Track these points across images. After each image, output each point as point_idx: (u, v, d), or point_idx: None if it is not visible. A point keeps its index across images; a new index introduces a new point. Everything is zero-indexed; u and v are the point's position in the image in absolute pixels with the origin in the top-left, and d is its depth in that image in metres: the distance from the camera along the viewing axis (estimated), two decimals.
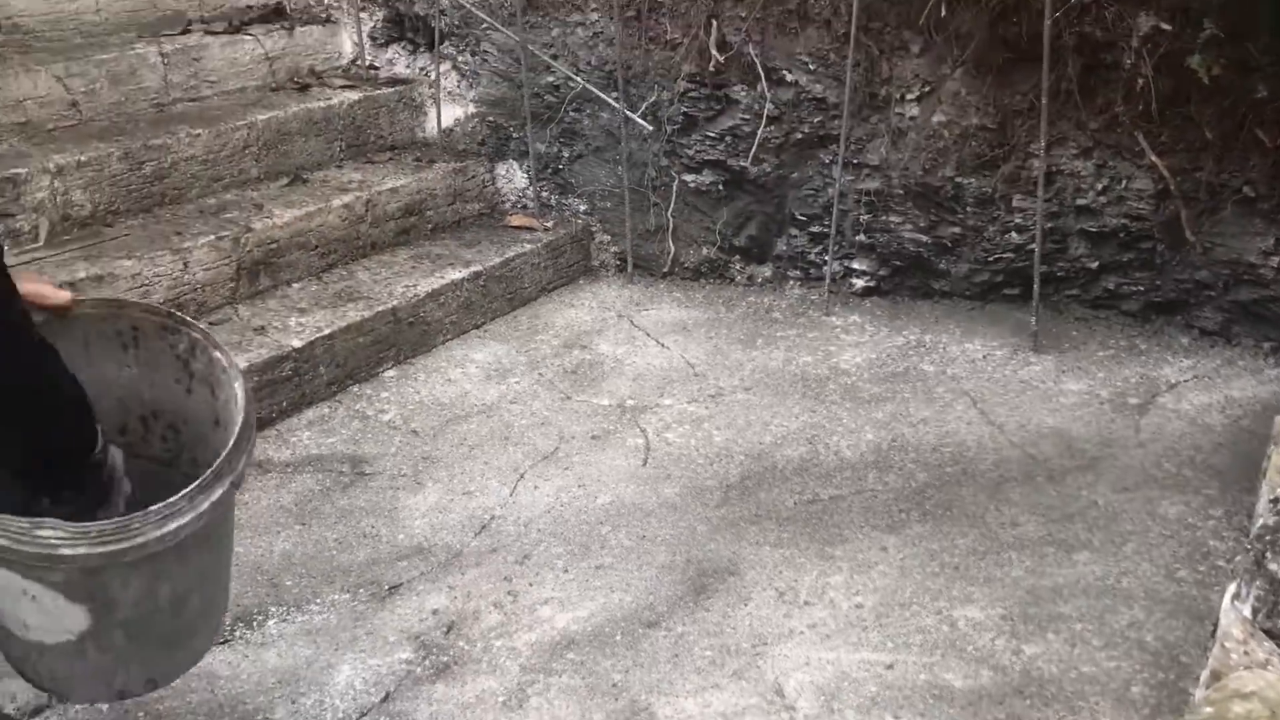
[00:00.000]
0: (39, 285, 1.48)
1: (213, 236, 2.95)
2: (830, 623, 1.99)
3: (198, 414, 1.57)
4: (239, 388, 1.46)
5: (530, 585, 2.15)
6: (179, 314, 1.55)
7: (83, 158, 2.93)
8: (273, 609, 2.10)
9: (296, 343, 2.82)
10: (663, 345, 3.15)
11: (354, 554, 2.27)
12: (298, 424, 2.80)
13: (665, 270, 3.58)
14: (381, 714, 1.83)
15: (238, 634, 2.03)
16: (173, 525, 1.30)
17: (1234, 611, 1.51)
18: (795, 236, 3.40)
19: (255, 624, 2.05)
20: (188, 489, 1.32)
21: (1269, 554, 1.49)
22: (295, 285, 3.15)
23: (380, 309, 3.03)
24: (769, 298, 3.42)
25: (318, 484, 2.53)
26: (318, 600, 2.12)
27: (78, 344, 1.48)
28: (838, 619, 2.00)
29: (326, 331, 2.89)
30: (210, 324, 2.88)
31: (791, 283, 3.46)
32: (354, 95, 3.66)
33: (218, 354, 1.52)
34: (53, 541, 1.24)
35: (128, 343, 1.55)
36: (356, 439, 2.72)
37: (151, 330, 1.55)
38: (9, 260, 1.29)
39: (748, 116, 3.25)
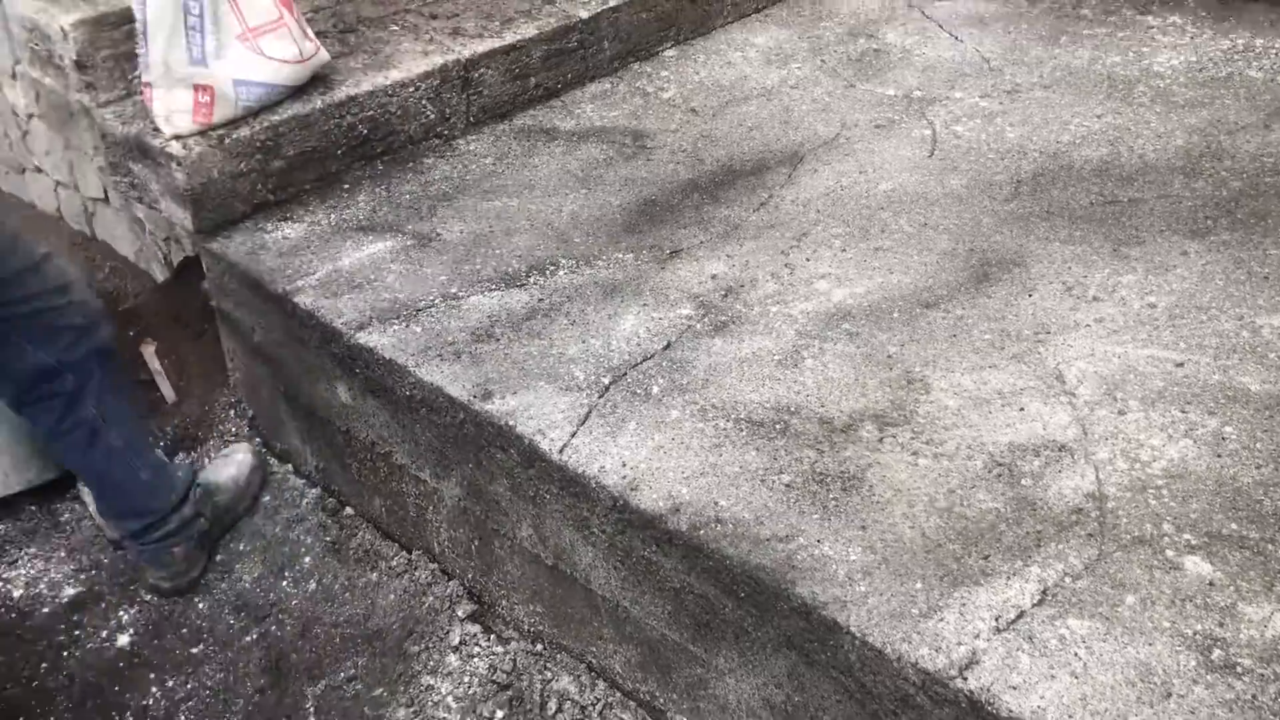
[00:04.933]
0: None
1: None
2: (1119, 319, 1.93)
3: None
4: None
5: (807, 260, 2.18)
6: None
7: None
8: (563, 260, 2.22)
9: (584, 14, 2.83)
10: (956, 38, 2.98)
11: (636, 219, 2.34)
12: (581, 96, 2.85)
13: None
14: (663, 360, 1.93)
15: (532, 279, 2.16)
16: None
17: None
18: None
19: (548, 272, 2.18)
20: None
21: None
22: None
23: None
24: None
25: (601, 154, 2.59)
26: (603, 257, 2.23)
27: None
28: (1127, 316, 1.94)
29: (613, 3, 2.87)
30: None
31: None
32: None
33: None
34: None
35: None
36: (638, 114, 2.75)
37: None
38: None
39: None
